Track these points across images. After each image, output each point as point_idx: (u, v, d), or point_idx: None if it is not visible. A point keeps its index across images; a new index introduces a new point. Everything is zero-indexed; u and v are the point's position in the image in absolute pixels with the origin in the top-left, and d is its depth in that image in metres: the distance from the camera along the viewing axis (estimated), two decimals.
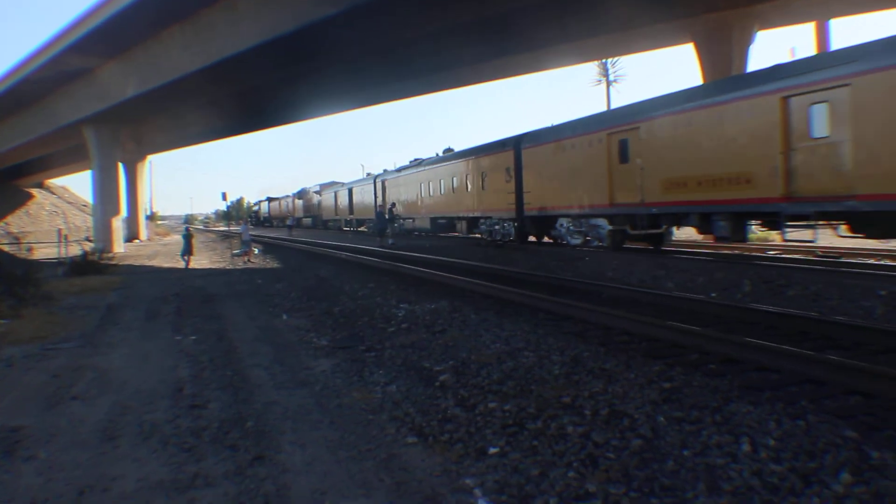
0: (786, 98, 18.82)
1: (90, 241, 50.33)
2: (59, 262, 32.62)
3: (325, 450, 6.87)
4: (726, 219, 21.46)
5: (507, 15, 33.37)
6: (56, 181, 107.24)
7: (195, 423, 7.90)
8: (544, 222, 33.42)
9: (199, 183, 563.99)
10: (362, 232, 65.86)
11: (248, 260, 35.78)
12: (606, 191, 26.90)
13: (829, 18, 37.94)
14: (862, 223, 17.93)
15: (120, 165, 60.33)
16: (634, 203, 25.32)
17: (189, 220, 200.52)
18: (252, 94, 50.53)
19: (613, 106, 61.28)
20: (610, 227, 27.42)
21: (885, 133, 16.20)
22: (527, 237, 35.79)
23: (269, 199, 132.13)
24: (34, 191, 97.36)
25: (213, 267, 33.41)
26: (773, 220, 20.18)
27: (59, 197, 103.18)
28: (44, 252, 38.59)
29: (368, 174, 70.57)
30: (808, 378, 8.55)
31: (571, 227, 30.62)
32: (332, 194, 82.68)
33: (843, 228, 18.78)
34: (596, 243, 28.60)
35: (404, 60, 42.62)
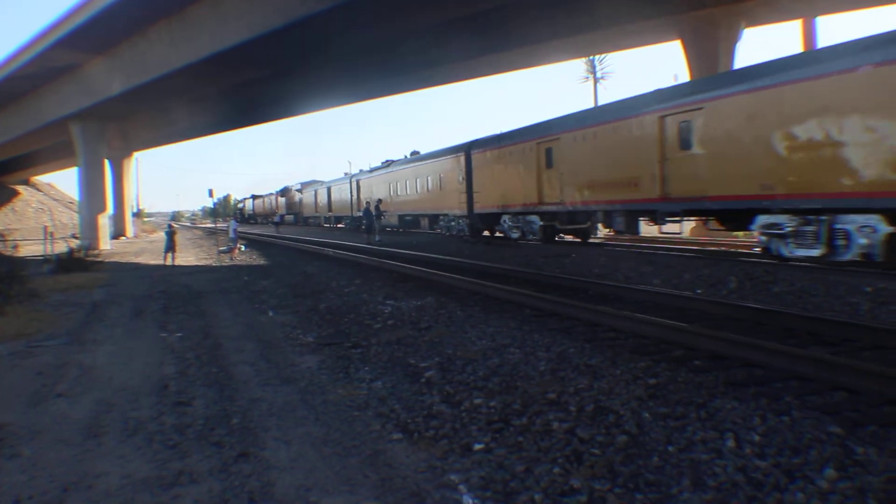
0: (662, 117, 23.14)
1: (76, 238, 50.15)
2: (45, 260, 32.54)
3: (311, 446, 6.86)
4: (622, 215, 26.14)
5: (498, 11, 33.43)
6: (42, 178, 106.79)
7: (180, 420, 7.89)
8: (491, 219, 38.08)
9: (186, 180, 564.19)
10: (345, 229, 67.14)
11: (233, 257, 35.73)
12: (536, 192, 31.69)
13: (815, 16, 38.05)
14: (723, 218, 22.46)
15: (106, 162, 60.13)
16: (557, 202, 30.06)
17: (176, 216, 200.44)
18: (240, 91, 50.37)
19: (600, 102, 61.44)
20: (541, 223, 32.02)
21: (725, 147, 20.62)
22: (479, 232, 40.00)
23: (254, 197, 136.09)
24: (20, 188, 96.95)
25: (199, 264, 33.35)
26: (655, 217, 24.51)
27: (46, 194, 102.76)
28: (30, 249, 38.51)
29: (346, 174, 73.99)
30: (794, 374, 8.55)
31: (511, 223, 35.33)
32: (313, 192, 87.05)
33: (713, 223, 23.33)
34: (531, 237, 33.18)
35: (394, 56, 42.61)
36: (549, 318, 13.49)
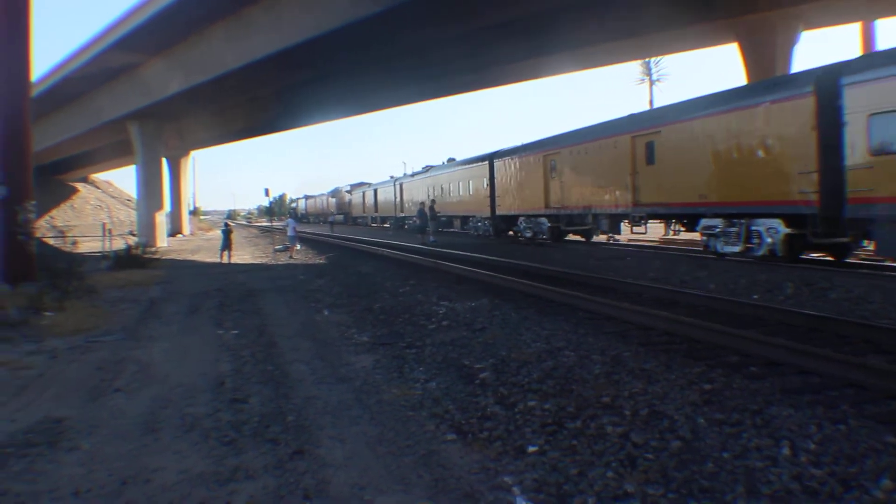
0: (633, 138, 28.20)
1: (134, 235, 50.79)
2: (102, 256, 32.92)
3: (365, 445, 6.90)
4: (606, 218, 31.69)
5: (546, 14, 33.33)
6: (100, 176, 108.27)
7: (236, 417, 7.98)
8: (510, 220, 43.23)
9: (241, 178, 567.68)
10: (394, 228, 68.26)
11: (291, 256, 36.04)
12: (543, 198, 36.80)
13: (874, 19, 37.48)
14: (685, 223, 27.01)
15: (163, 160, 61.03)
16: (559, 207, 35.23)
17: (231, 215, 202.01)
18: (291, 92, 50.77)
19: (656, 105, 61.09)
20: (549, 224, 36.94)
21: (676, 164, 25.35)
22: (501, 232, 45.00)
23: (307, 197, 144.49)
24: (79, 185, 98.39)
25: (255, 262, 33.68)
26: (630, 220, 29.97)
27: (104, 191, 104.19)
28: (88, 246, 39.03)
29: (391, 177, 77.40)
30: (850, 382, 8.46)
31: (525, 225, 40.18)
32: (361, 194, 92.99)
33: (679, 226, 28.60)
34: (542, 237, 37.71)
35: (442, 59, 42.61)
36: (604, 321, 13.46)
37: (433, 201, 49.89)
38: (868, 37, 38.95)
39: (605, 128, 31.58)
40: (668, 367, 9.11)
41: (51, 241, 26.04)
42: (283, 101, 54.45)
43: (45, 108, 57.57)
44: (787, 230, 20.66)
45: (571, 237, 37.30)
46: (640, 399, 7.77)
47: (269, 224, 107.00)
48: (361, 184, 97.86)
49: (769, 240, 21.33)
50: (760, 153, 21.33)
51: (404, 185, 68.32)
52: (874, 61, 18.40)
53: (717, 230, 23.60)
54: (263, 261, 34.41)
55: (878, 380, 8.22)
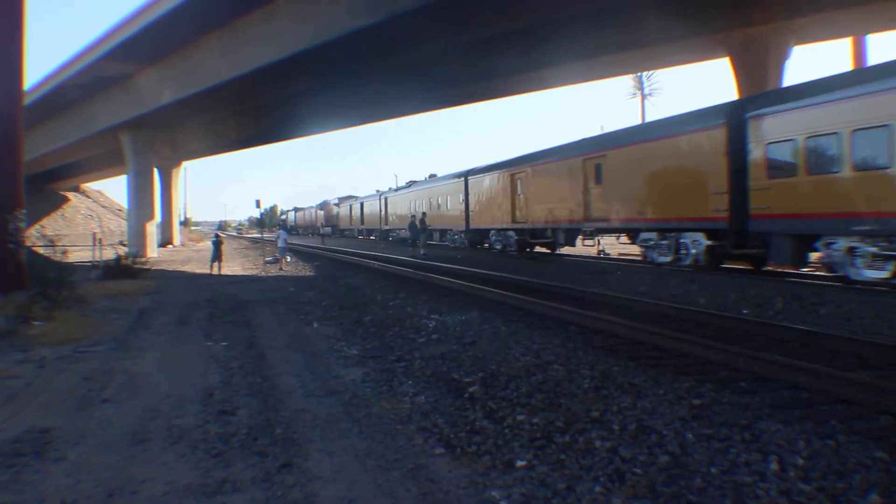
0: (585, 160, 31.27)
1: (124, 245, 50.68)
2: (93, 266, 32.88)
3: (353, 458, 6.89)
4: (563, 233, 34.74)
5: (545, 27, 33.42)
6: (92, 185, 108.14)
7: (224, 429, 7.95)
8: (483, 233, 46.45)
9: (233, 190, 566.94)
10: (388, 241, 68.80)
11: (282, 268, 36.00)
12: (510, 213, 40.06)
13: (866, 34, 37.67)
14: (631, 236, 29.40)
15: (155, 171, 60.98)
16: (524, 221, 38.38)
17: (222, 226, 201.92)
18: (285, 104, 50.76)
19: (647, 119, 61.41)
20: (516, 238, 40.06)
21: (618, 184, 28.59)
22: (475, 244, 48.38)
23: (296, 209, 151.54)
24: (70, 194, 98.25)
25: (245, 273, 33.64)
26: (583, 234, 33.55)
27: (95, 201, 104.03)
28: (78, 255, 38.87)
29: (377, 191, 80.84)
30: (839, 398, 8.50)
31: (496, 238, 43.68)
32: (349, 207, 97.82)
33: (625, 238, 31.06)
34: (509, 249, 40.93)
35: (441, 71, 42.73)
36: (593, 335, 13.49)
37: (424, 214, 50.36)
38: (859, 51, 39.16)
39: (562, 150, 34.93)
40: (656, 382, 9.12)
41: (41, 250, 25.91)
42: (278, 111, 54.48)
43: (38, 117, 57.54)
44: (708, 242, 23.60)
45: (539, 249, 40.15)
46: (628, 414, 7.78)
47: (259, 235, 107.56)
48: (349, 197, 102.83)
49: (694, 251, 24.32)
50: (685, 176, 24.39)
51: (389, 199, 72.06)
52: (770, 99, 21.81)
53: (652, 243, 26.77)
54: (253, 272, 34.38)
55: (868, 395, 8.26)
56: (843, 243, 18.63)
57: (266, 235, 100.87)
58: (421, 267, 31.32)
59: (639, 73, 71.31)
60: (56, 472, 6.75)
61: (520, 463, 6.60)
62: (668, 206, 25.37)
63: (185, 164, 78.55)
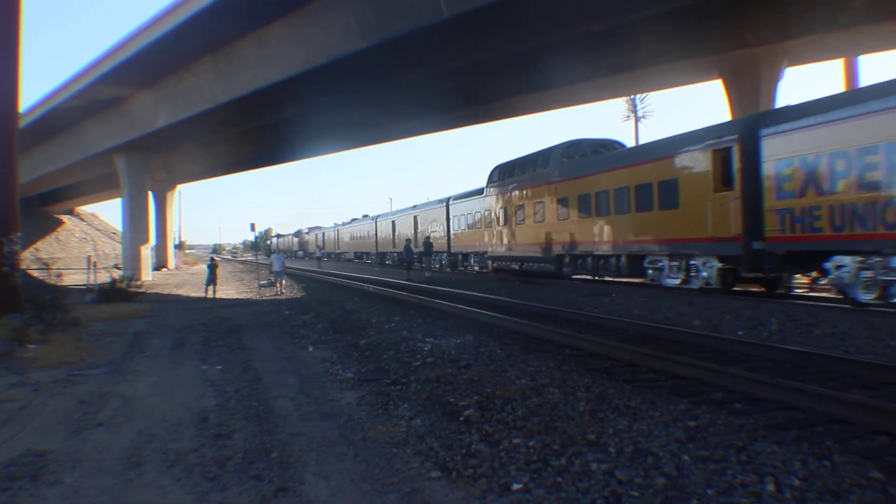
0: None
1: (119, 268, 50.64)
2: (87, 289, 32.84)
3: (349, 482, 6.88)
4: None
5: (540, 50, 33.61)
6: (86, 208, 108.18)
7: (220, 453, 7.94)
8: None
9: (227, 213, 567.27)
10: (388, 266, 68.83)
11: (280, 291, 35.93)
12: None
13: (858, 55, 37.85)
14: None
15: (150, 194, 60.93)
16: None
17: (217, 249, 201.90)
18: (280, 127, 50.96)
19: (641, 141, 61.49)
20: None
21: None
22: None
23: (278, 236, 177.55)
24: (64, 217, 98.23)
25: (240, 297, 33.65)
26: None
27: (89, 224, 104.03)
28: (73, 278, 38.85)
29: (334, 223, 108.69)
30: (834, 418, 8.51)
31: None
32: (314, 235, 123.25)
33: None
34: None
35: (435, 94, 42.91)
36: (588, 357, 13.49)
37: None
38: (851, 72, 39.34)
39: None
40: (652, 404, 9.13)
41: (36, 274, 25.88)
42: (273, 135, 54.61)
43: (33, 140, 57.68)
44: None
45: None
46: (624, 436, 7.79)
47: (254, 259, 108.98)
48: (317, 227, 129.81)
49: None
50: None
51: (341, 230, 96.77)
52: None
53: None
54: (249, 296, 34.39)
55: (863, 415, 8.27)
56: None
57: (261, 259, 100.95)
58: (415, 290, 31.29)
59: (632, 96, 71.42)
60: (52, 496, 6.73)
61: (516, 486, 6.59)
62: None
63: (179, 186, 78.46)
